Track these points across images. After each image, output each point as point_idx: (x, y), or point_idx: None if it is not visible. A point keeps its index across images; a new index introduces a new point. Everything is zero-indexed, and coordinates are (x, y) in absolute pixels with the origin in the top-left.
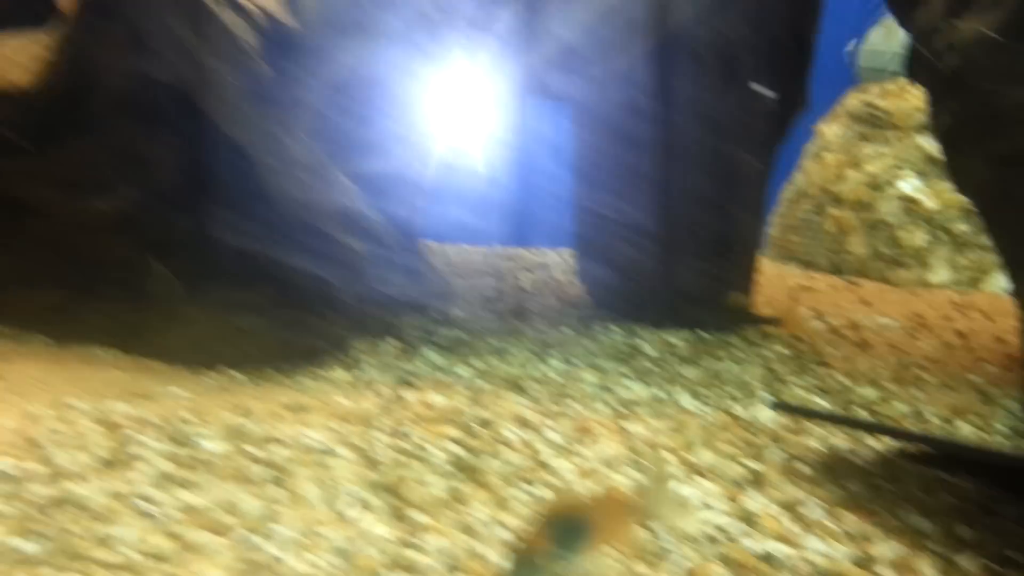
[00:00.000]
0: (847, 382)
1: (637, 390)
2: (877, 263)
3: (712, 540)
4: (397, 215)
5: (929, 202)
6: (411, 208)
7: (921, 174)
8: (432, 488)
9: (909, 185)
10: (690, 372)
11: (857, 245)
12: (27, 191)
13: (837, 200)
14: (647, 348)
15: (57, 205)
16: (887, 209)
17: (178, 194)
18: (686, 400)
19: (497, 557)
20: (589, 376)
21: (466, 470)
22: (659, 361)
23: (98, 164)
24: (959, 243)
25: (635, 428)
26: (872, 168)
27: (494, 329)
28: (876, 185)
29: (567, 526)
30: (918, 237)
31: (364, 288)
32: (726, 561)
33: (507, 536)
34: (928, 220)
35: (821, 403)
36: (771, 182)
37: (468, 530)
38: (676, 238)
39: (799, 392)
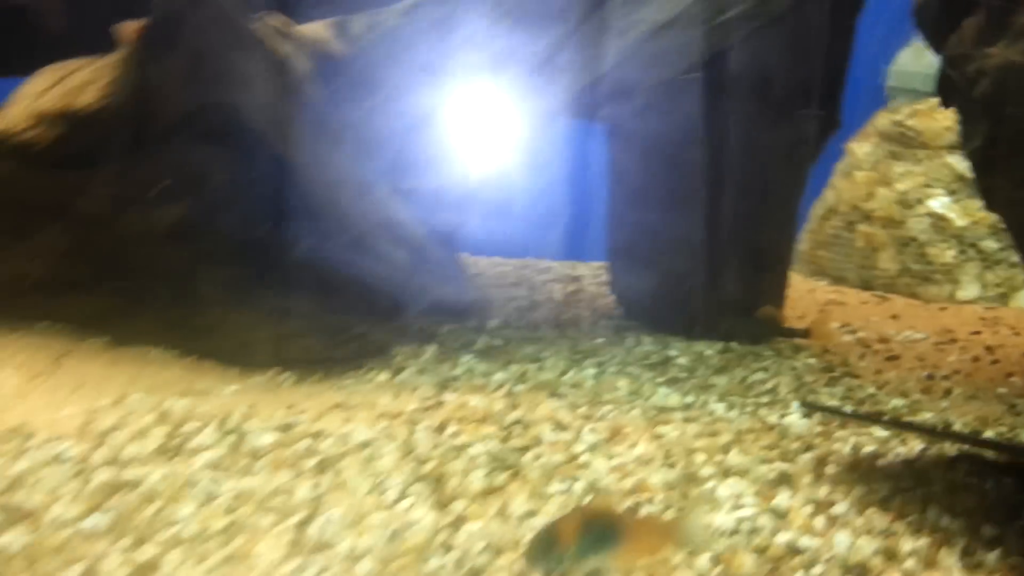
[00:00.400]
0: (876, 392)
1: (669, 397)
2: (907, 279)
3: (741, 533)
4: (439, 228)
5: (958, 220)
6: (452, 222)
7: (951, 192)
8: (473, 481)
9: (939, 203)
10: (721, 381)
11: (887, 261)
12: (90, 204)
13: (867, 217)
14: (679, 358)
15: (117, 217)
16: (917, 226)
17: (231, 208)
18: (718, 407)
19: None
20: (622, 383)
21: (505, 466)
22: (690, 370)
23: (155, 179)
24: (988, 260)
25: (668, 431)
26: (902, 186)
27: (530, 338)
28: (906, 203)
29: (598, 532)
30: (947, 254)
31: (407, 297)
32: (757, 550)
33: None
34: (957, 237)
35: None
36: (802, 200)
37: (507, 519)
38: (711, 252)
39: (829, 402)
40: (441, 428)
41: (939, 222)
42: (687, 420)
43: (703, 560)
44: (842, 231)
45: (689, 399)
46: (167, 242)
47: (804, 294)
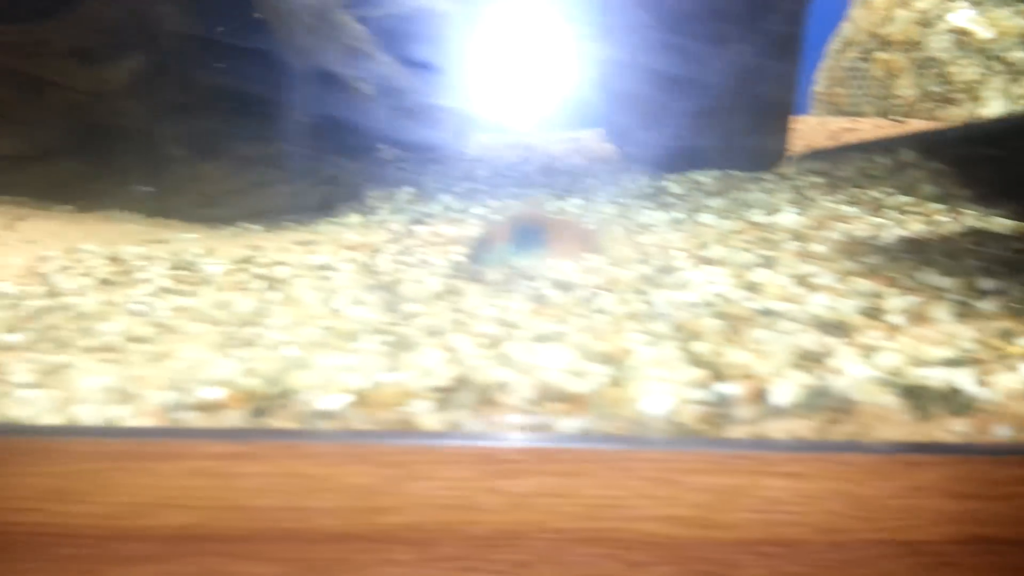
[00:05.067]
0: (880, 196)
1: (656, 216)
2: (927, 103)
3: (709, 304)
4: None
5: (983, 32)
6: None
7: (975, 3)
8: (428, 286)
9: (962, 16)
10: (715, 202)
11: (906, 87)
12: (38, 63)
13: (885, 43)
14: (674, 188)
15: (69, 74)
16: (938, 45)
17: (190, 56)
18: (707, 217)
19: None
20: (608, 209)
21: (466, 273)
22: (684, 197)
23: (106, 31)
24: (1015, 72)
25: (648, 239)
26: (923, 3)
27: (517, 181)
28: (926, 21)
29: (526, 231)
30: (970, 71)
31: (378, 132)
32: (721, 316)
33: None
34: (982, 51)
35: (849, 209)
36: (817, 36)
37: (460, 312)
38: (713, 95)
39: (828, 205)
40: (406, 251)
41: (962, 37)
42: (671, 230)
43: (660, 326)
44: (858, 62)
45: (678, 215)
46: (126, 98)
47: (815, 127)
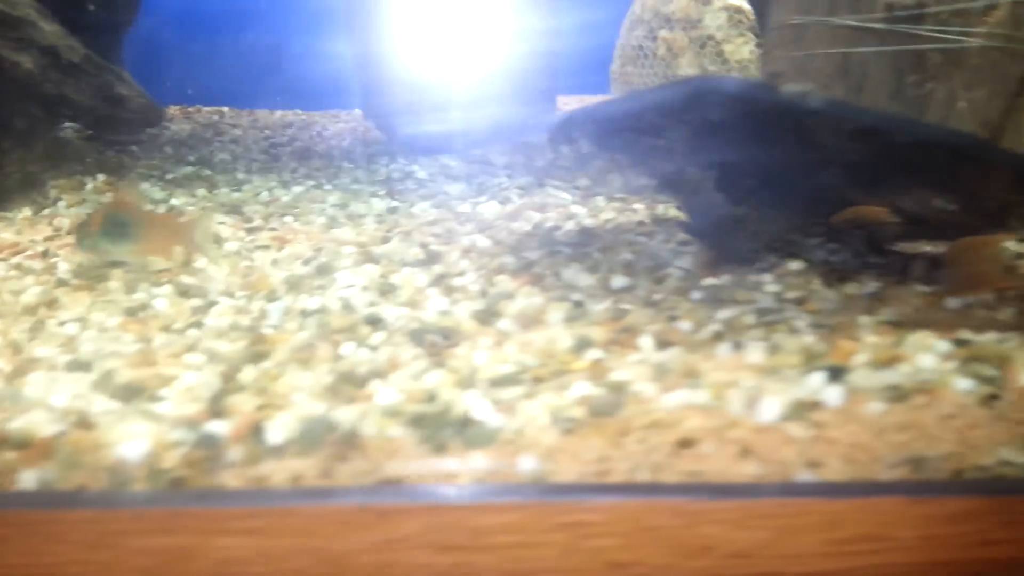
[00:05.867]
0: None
1: (376, 205)
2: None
3: (323, 311)
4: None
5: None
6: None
7: None
8: (26, 296)
9: None
10: (454, 188)
11: (687, 66)
12: None
13: (668, 21)
14: (420, 173)
15: None
16: (713, 22)
17: None
18: (420, 208)
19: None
20: (332, 198)
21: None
22: (425, 182)
23: None
24: None
25: (339, 234)
26: None
27: (252, 167)
28: None
29: (117, 222)
30: (745, 49)
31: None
32: (321, 327)
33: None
34: (753, 29)
35: (557, 197)
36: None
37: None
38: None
39: (537, 192)
40: (48, 252)
41: (735, 15)
42: (378, 223)
43: (227, 345)
44: (645, 41)
45: (396, 204)
46: None
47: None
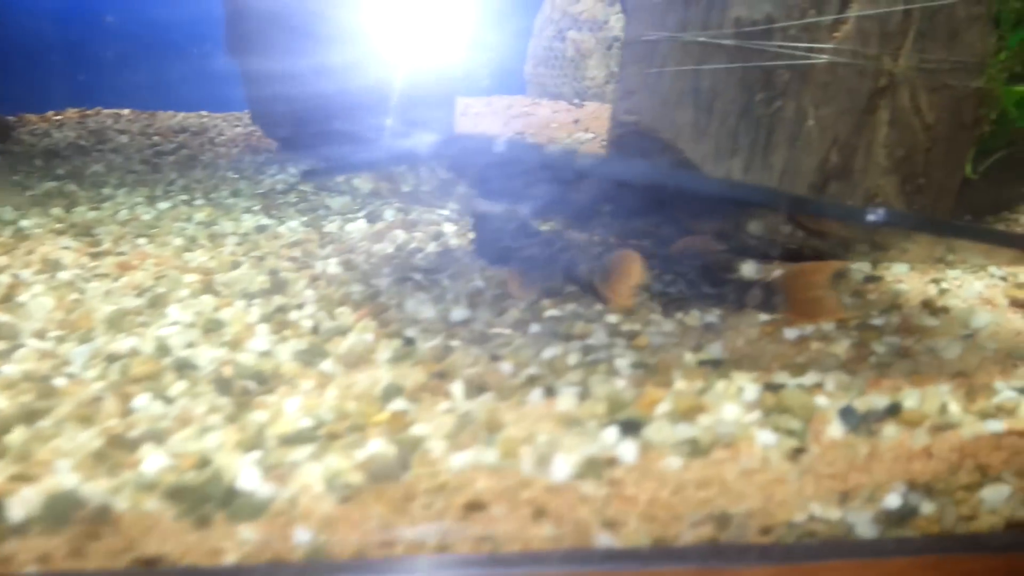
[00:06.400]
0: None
1: (246, 223)
2: (613, 85)
3: (134, 353)
4: None
5: None
6: None
7: None
8: None
9: None
10: (335, 202)
11: (594, 68)
12: None
13: (576, 21)
14: (306, 184)
15: None
16: (619, 24)
17: None
18: (289, 226)
19: None
20: (200, 215)
21: None
22: (309, 195)
23: None
24: None
25: (190, 258)
26: None
27: (125, 180)
28: None
29: None
30: None
31: None
32: (124, 373)
33: None
34: None
35: (423, 217)
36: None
37: None
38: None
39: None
40: None
41: None
42: (239, 243)
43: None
44: (554, 42)
45: (267, 222)
46: None
47: (500, 111)
